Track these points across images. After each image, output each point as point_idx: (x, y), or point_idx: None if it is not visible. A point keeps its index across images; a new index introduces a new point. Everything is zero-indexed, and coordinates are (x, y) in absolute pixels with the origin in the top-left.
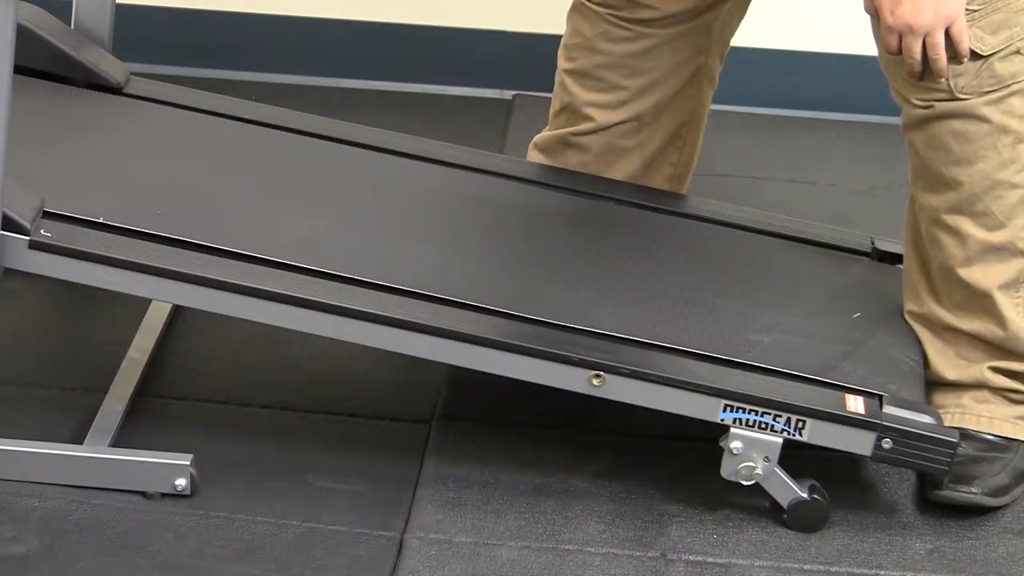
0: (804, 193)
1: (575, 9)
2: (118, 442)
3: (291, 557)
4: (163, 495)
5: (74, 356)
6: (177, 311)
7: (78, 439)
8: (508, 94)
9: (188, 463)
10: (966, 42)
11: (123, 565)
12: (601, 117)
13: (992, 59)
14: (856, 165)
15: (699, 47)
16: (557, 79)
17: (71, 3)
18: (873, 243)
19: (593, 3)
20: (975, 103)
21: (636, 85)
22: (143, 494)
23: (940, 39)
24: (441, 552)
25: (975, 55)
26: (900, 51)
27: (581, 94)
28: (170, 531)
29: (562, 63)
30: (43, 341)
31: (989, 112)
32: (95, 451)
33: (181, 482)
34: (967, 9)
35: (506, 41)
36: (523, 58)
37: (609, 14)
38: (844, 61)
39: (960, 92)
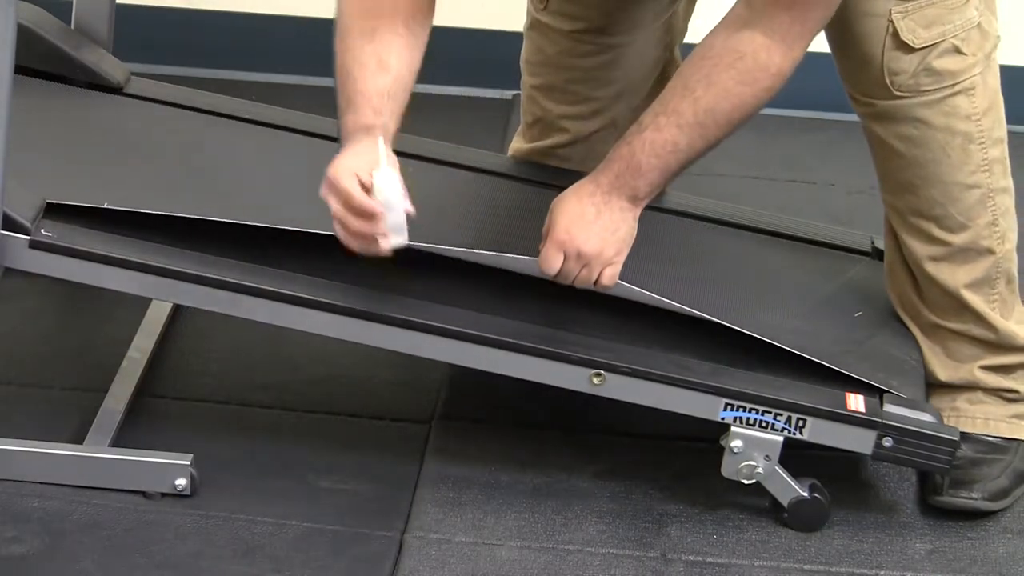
0: (804, 193)
1: (533, 27)
2: (118, 442)
3: (291, 557)
4: (163, 495)
5: (74, 356)
6: (177, 311)
7: (78, 439)
8: (508, 94)
9: (188, 463)
10: (609, 286)
11: (123, 565)
12: (576, 128)
13: (929, 57)
14: (856, 165)
15: (665, 44)
16: (524, 92)
17: (71, 3)
18: (873, 243)
19: (551, 22)
20: (912, 103)
21: (607, 94)
22: (143, 494)
23: (594, 276)
24: (441, 552)
25: (908, 47)
26: (556, 275)
27: (553, 108)
28: (170, 531)
29: (527, 78)
30: (43, 341)
31: (930, 114)
32: (95, 451)
33: (181, 482)
34: None
35: (506, 41)
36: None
37: (572, 31)
38: None
39: (898, 91)
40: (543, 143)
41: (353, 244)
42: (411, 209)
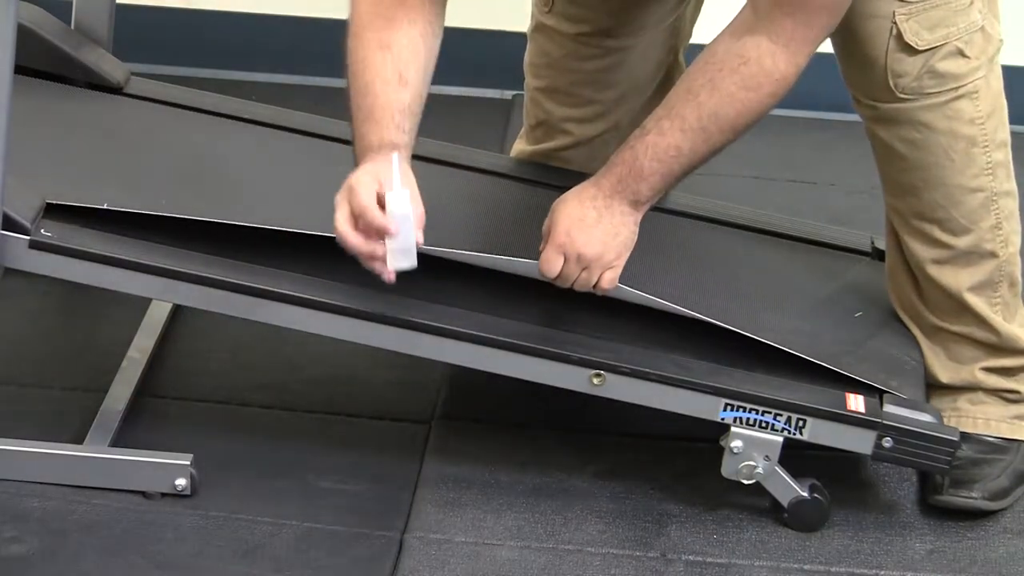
0: (804, 193)
1: (538, 30)
2: (118, 442)
3: (291, 557)
4: (163, 495)
5: (74, 356)
6: (177, 311)
7: (78, 439)
8: (508, 94)
9: (188, 463)
10: (608, 289)
11: (123, 565)
12: (579, 131)
13: (932, 59)
14: (856, 165)
15: (669, 47)
16: (528, 94)
17: (71, 3)
18: (873, 243)
19: (556, 24)
20: (915, 106)
21: (611, 97)
22: (143, 494)
23: (593, 279)
24: (441, 552)
25: (911, 50)
26: (556, 277)
27: (556, 110)
28: (170, 531)
29: (531, 81)
30: (43, 341)
31: (933, 118)
32: (95, 451)
33: (181, 482)
34: (905, 1)
35: (506, 41)
36: (523, 58)
37: (576, 34)
38: None
39: (901, 93)
40: (546, 145)
41: (366, 263)
42: (420, 237)
